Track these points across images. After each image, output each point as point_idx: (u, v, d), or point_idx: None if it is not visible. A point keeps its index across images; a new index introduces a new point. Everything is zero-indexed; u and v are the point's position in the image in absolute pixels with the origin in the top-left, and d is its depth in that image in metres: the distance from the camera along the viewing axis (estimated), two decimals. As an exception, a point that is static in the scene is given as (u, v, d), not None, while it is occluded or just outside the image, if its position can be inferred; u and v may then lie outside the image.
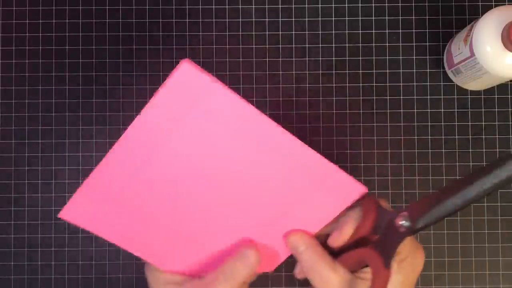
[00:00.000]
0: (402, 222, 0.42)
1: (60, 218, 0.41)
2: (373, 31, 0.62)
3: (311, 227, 0.44)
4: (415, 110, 0.62)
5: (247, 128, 0.39)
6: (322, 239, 0.46)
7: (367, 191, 0.43)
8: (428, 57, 0.62)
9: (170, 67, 0.62)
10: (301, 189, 0.42)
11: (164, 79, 0.62)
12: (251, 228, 0.44)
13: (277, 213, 0.44)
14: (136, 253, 0.45)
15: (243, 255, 0.44)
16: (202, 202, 0.43)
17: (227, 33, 0.62)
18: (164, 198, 0.42)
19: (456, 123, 0.61)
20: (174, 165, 0.40)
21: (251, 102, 0.61)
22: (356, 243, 0.44)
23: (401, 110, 0.62)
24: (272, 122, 0.39)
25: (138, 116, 0.38)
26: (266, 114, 0.38)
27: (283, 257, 0.47)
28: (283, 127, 0.61)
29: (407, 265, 0.44)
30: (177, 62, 0.62)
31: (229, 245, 0.45)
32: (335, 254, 0.45)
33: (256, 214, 0.44)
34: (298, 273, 0.49)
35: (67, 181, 0.61)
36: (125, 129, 0.37)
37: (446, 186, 0.42)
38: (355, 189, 0.42)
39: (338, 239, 0.44)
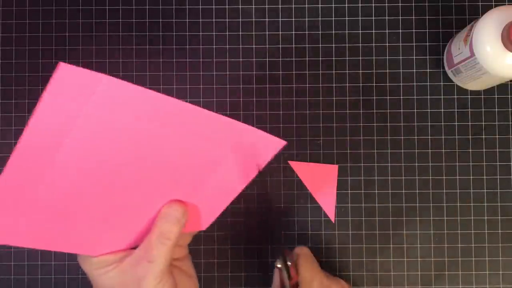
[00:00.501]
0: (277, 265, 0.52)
1: None
2: (373, 31, 0.62)
3: (237, 185, 0.46)
4: (415, 110, 0.61)
5: (145, 108, 0.39)
6: None
7: (286, 143, 0.44)
8: (428, 57, 0.62)
9: (170, 67, 0.62)
10: (219, 154, 0.43)
11: (164, 79, 0.62)
12: (174, 194, 0.45)
13: (199, 177, 0.44)
14: (62, 250, 0.44)
15: (168, 213, 0.44)
16: (116, 183, 0.42)
17: (227, 33, 0.62)
18: (76, 189, 0.41)
19: (456, 123, 0.61)
20: (79, 157, 0.40)
21: (251, 102, 0.61)
22: None
23: (401, 110, 0.61)
24: (164, 97, 0.39)
25: (29, 122, 0.37)
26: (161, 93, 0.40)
27: (214, 215, 0.48)
28: (280, 125, 0.61)
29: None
30: (177, 62, 0.62)
31: (157, 212, 0.46)
32: None
33: (178, 182, 0.44)
34: None
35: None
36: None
37: None
38: (273, 143, 0.44)
39: None
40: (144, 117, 0.40)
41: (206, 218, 0.49)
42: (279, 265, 0.51)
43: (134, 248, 0.46)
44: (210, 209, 0.48)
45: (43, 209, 0.42)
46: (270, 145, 0.44)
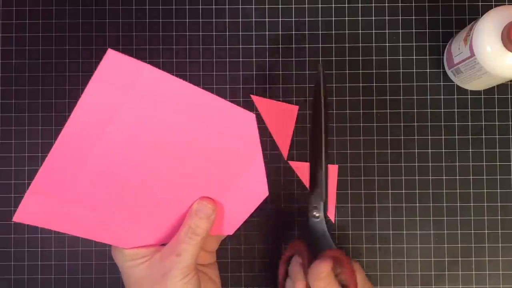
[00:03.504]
0: None
1: (15, 222, 0.42)
2: (373, 31, 0.62)
3: (263, 188, 0.47)
4: (415, 110, 0.61)
5: (183, 100, 0.40)
6: None
7: (254, 116, 0.44)
8: (428, 57, 0.62)
9: (170, 67, 0.62)
10: (251, 154, 0.44)
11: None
12: (206, 192, 0.46)
13: (231, 177, 0.45)
14: (98, 240, 0.46)
15: (198, 209, 0.46)
16: (152, 177, 0.43)
17: (227, 33, 0.62)
18: (113, 181, 0.43)
19: (456, 123, 0.61)
20: (118, 147, 0.41)
21: (251, 102, 0.61)
22: None
23: (401, 110, 0.61)
24: (201, 90, 0.40)
25: (74, 109, 0.38)
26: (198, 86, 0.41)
27: (241, 220, 0.48)
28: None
29: None
30: (177, 62, 0.62)
31: (187, 209, 0.47)
32: None
33: (210, 180, 0.45)
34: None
35: (67, 181, 0.61)
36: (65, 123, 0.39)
37: None
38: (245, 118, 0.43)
39: None
40: (183, 110, 0.40)
41: (233, 222, 0.49)
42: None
43: (164, 244, 0.47)
44: (237, 212, 0.48)
45: (82, 197, 0.43)
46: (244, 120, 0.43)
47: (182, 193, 0.46)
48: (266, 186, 0.47)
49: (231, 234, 0.50)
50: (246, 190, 0.46)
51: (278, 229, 0.61)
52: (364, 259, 0.61)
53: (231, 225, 0.49)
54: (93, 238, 0.46)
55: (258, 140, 0.44)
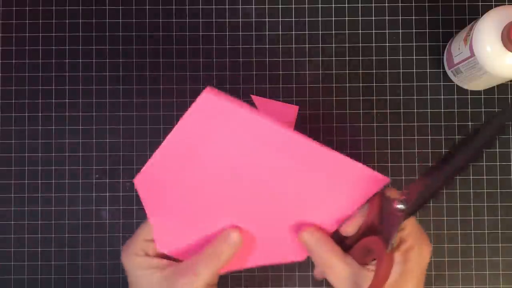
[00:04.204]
0: (399, 206, 0.42)
1: (133, 182, 0.45)
2: (373, 31, 0.62)
3: (333, 223, 0.46)
4: (415, 110, 0.61)
5: (266, 140, 0.42)
6: (333, 235, 0.47)
7: (388, 180, 0.43)
8: (428, 57, 0.62)
9: (170, 67, 0.62)
10: (321, 188, 0.44)
11: (164, 79, 0.62)
12: (268, 227, 0.47)
13: (296, 212, 0.46)
14: (154, 223, 0.46)
15: (227, 235, 0.45)
16: (226, 203, 0.45)
17: (227, 33, 0.62)
18: (197, 192, 0.45)
19: (456, 123, 0.61)
20: (206, 170, 0.44)
21: (251, 102, 0.61)
22: (364, 234, 0.45)
23: (401, 110, 0.61)
24: (287, 130, 0.42)
25: (167, 137, 0.43)
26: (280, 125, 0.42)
27: (302, 256, 0.48)
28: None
29: (414, 256, 0.44)
30: (177, 62, 0.62)
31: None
32: (346, 248, 0.46)
33: (276, 214, 0.46)
34: (317, 274, 0.51)
35: (67, 181, 0.61)
36: (165, 136, 0.43)
37: (437, 161, 0.42)
38: (375, 180, 0.43)
39: (347, 228, 0.46)
40: (266, 147, 0.42)
41: (302, 248, 0.48)
42: (400, 205, 0.42)
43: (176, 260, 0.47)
44: (298, 248, 0.48)
45: (173, 192, 0.46)
46: (371, 183, 0.44)
47: (244, 222, 0.47)
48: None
49: (302, 260, 0.49)
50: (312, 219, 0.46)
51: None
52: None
53: (300, 250, 0.49)
54: (153, 222, 0.46)
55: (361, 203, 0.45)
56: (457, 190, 0.61)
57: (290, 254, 0.48)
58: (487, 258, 0.60)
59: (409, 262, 0.44)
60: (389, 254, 0.42)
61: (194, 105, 0.41)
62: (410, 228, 0.45)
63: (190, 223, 0.47)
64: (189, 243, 0.47)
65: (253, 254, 0.48)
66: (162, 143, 0.43)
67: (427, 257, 0.45)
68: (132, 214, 0.61)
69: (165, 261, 0.47)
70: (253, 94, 0.61)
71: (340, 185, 0.44)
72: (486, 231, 0.61)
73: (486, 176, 0.61)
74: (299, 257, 0.48)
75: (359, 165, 0.43)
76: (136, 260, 0.46)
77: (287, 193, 0.45)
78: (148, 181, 0.45)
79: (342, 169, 0.43)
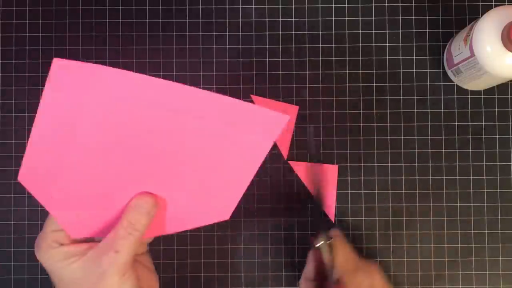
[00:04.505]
0: (316, 245, 0.52)
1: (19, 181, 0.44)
2: (373, 31, 0.62)
3: (248, 171, 0.45)
4: (415, 110, 0.61)
5: (143, 93, 0.40)
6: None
7: (289, 117, 0.44)
8: (428, 57, 0.62)
9: (170, 67, 0.62)
10: (224, 139, 0.43)
11: (164, 79, 0.62)
12: (178, 184, 0.45)
13: (208, 168, 0.44)
14: (54, 215, 0.45)
15: (138, 204, 0.44)
16: (118, 170, 0.43)
17: (226, 33, 0.62)
18: (88, 170, 0.43)
19: (456, 123, 0.61)
20: (91, 138, 0.42)
21: (251, 102, 0.61)
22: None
23: (401, 110, 0.61)
24: (163, 81, 0.40)
25: (34, 121, 0.40)
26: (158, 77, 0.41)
27: (233, 204, 0.47)
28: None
29: (348, 284, 0.52)
30: (177, 62, 0.62)
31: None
32: None
33: (185, 175, 0.44)
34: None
35: (67, 181, 0.61)
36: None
37: None
38: (277, 120, 0.43)
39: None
40: (144, 103, 0.40)
41: (225, 208, 0.47)
42: (317, 245, 0.50)
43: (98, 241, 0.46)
44: (226, 198, 0.46)
45: (62, 175, 0.43)
46: (275, 123, 0.43)
47: (143, 185, 0.45)
48: (232, 208, 0.47)
49: (227, 219, 0.48)
50: (230, 172, 0.45)
51: (277, 229, 0.61)
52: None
53: (224, 210, 0.47)
54: (53, 213, 0.45)
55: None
56: (457, 190, 0.61)
57: (214, 215, 0.47)
58: (487, 258, 0.60)
59: None
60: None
61: (50, 76, 0.38)
62: (341, 262, 0.53)
63: (95, 202, 0.45)
64: (102, 220, 0.45)
65: (174, 219, 0.47)
66: (32, 131, 0.41)
67: (366, 280, 0.53)
68: (132, 214, 0.61)
69: (83, 245, 0.44)
70: (253, 94, 0.62)
71: (242, 133, 0.43)
72: (486, 231, 0.61)
73: (486, 176, 0.61)
74: (223, 216, 0.47)
75: (257, 107, 0.42)
76: (52, 253, 0.44)
77: (190, 150, 0.43)
78: (33, 174, 0.43)
79: (239, 115, 0.42)
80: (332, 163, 0.61)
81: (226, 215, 0.47)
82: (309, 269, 0.55)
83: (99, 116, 0.40)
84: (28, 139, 0.57)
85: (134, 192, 0.45)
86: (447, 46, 0.61)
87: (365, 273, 0.53)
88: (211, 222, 0.47)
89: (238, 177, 0.45)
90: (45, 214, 0.61)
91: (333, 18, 0.62)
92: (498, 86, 0.61)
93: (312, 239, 0.54)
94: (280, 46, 0.62)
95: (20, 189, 0.61)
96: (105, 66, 0.39)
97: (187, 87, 0.41)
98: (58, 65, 0.38)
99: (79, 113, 0.40)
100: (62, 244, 0.44)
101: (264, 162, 0.46)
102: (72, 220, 0.45)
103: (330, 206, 0.61)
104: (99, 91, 0.39)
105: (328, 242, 0.52)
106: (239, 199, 0.46)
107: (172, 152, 0.43)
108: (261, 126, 0.43)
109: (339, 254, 0.54)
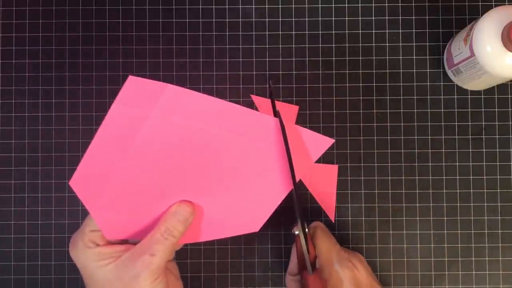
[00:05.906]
0: (295, 232, 0.50)
1: (70, 186, 0.45)
2: (373, 31, 0.62)
3: (283, 187, 0.47)
4: (415, 110, 0.61)
5: (199, 112, 0.42)
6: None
7: (333, 141, 0.47)
8: (428, 57, 0.62)
9: (170, 67, 0.62)
10: (268, 156, 0.45)
11: (164, 79, 0.62)
12: (216, 195, 0.47)
13: (243, 181, 0.46)
14: (94, 216, 0.45)
15: (177, 211, 0.46)
16: (162, 179, 0.45)
17: (227, 33, 0.62)
18: (135, 178, 0.45)
19: (456, 123, 0.61)
20: (143, 150, 0.44)
21: (251, 102, 0.62)
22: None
23: (401, 110, 0.61)
24: (217, 100, 0.42)
25: (98, 130, 0.42)
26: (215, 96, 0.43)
27: (264, 217, 0.49)
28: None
29: (329, 276, 0.52)
30: (177, 62, 0.62)
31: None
32: None
33: (222, 186, 0.46)
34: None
35: (66, 181, 0.61)
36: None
37: None
38: (322, 142, 0.46)
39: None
40: (199, 120, 0.43)
41: (257, 220, 0.49)
42: (296, 232, 0.50)
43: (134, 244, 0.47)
44: (259, 211, 0.48)
45: (112, 183, 0.45)
46: (318, 143, 0.46)
47: (185, 194, 0.46)
48: (263, 221, 0.48)
49: (257, 231, 0.49)
50: (266, 187, 0.47)
51: (277, 229, 0.61)
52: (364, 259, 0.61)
53: (255, 222, 0.49)
54: (93, 216, 0.46)
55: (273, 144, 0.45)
56: (457, 190, 0.61)
57: (245, 226, 0.48)
58: (487, 258, 0.60)
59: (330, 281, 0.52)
60: (312, 277, 0.49)
61: (121, 92, 0.41)
62: (323, 253, 0.53)
63: (135, 207, 0.46)
64: (138, 224, 0.47)
65: (207, 228, 0.48)
66: (93, 140, 0.43)
67: (348, 272, 0.52)
68: (132, 214, 0.61)
69: (118, 247, 0.45)
70: (253, 94, 0.62)
71: (286, 152, 0.45)
72: (486, 231, 0.61)
73: (486, 176, 0.61)
74: (253, 228, 0.49)
75: (305, 130, 0.45)
76: (88, 252, 0.45)
77: (231, 164, 0.45)
78: (84, 180, 0.44)
79: (288, 136, 0.44)
80: (332, 163, 0.61)
81: (256, 227, 0.49)
82: (292, 263, 0.55)
83: (155, 131, 0.42)
84: (26, 139, 0.57)
85: (174, 199, 0.46)
86: (447, 46, 0.61)
87: (347, 264, 0.53)
88: (241, 233, 0.49)
89: (273, 192, 0.47)
90: (45, 213, 0.61)
91: (333, 18, 0.62)
92: (498, 86, 0.61)
93: (292, 228, 0.53)
94: (280, 46, 0.62)
95: (21, 189, 0.61)
96: (169, 84, 0.41)
97: (235, 106, 0.43)
98: (132, 82, 0.41)
99: (139, 127, 0.42)
100: (98, 245, 0.45)
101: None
102: (110, 222, 0.46)
103: (330, 206, 0.61)
104: (161, 107, 0.42)
105: (306, 230, 0.51)
106: (271, 213, 0.48)
107: (215, 165, 0.45)
108: (307, 147, 0.45)
109: (320, 245, 0.53)
